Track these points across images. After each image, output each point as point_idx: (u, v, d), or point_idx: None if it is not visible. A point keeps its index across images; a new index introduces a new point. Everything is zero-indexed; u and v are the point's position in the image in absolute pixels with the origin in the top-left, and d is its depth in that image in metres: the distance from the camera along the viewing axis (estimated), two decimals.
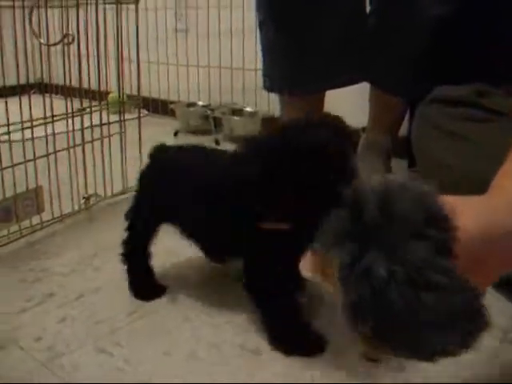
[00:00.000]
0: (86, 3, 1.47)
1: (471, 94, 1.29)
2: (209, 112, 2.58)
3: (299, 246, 0.72)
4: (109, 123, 1.70)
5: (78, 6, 1.44)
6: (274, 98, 1.97)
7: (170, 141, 2.53)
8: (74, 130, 1.53)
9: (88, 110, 1.55)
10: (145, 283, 1.18)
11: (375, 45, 1.62)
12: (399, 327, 0.57)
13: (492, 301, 0.92)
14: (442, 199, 0.59)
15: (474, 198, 0.64)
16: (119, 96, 1.72)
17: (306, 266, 0.67)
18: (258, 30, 1.70)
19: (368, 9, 1.65)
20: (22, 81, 1.45)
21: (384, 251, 0.56)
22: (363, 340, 0.60)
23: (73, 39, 1.39)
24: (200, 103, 2.75)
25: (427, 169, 1.43)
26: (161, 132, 2.65)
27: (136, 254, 1.18)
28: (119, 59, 1.65)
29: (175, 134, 2.61)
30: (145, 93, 2.94)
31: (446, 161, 1.24)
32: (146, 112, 3.04)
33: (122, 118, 1.73)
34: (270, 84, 1.67)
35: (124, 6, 1.63)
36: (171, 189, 1.08)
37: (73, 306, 1.12)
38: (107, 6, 1.57)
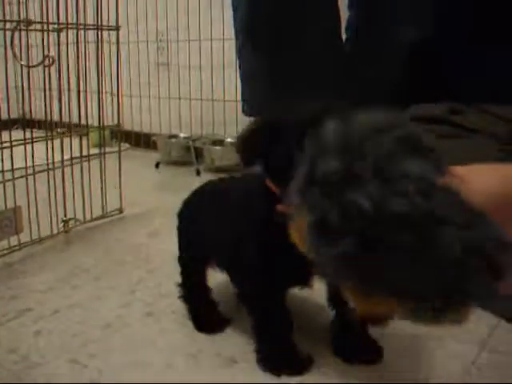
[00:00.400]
0: (67, 28, 1.50)
1: (445, 112, 1.32)
2: (190, 142, 2.60)
3: None
4: (89, 155, 1.72)
5: (59, 30, 1.46)
6: None
7: (151, 172, 2.56)
8: (53, 151, 1.54)
9: (68, 133, 1.56)
10: (207, 317, 1.12)
11: (351, 71, 1.64)
12: (386, 241, 0.47)
13: None
14: (455, 169, 0.54)
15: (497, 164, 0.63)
16: (99, 122, 1.74)
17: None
18: (237, 58, 1.73)
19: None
20: (4, 116, 1.47)
21: (339, 150, 0.50)
22: (352, 292, 0.53)
23: (53, 61, 1.41)
24: (182, 135, 2.77)
25: None
26: (142, 164, 2.67)
27: (193, 291, 1.15)
28: (99, 85, 1.67)
29: (156, 165, 2.62)
30: (127, 126, 2.97)
31: None
32: (128, 145, 3.06)
33: (102, 144, 1.75)
34: (250, 108, 1.69)
35: (105, 40, 1.66)
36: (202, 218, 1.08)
37: (49, 320, 1.12)
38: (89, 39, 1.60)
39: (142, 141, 3.03)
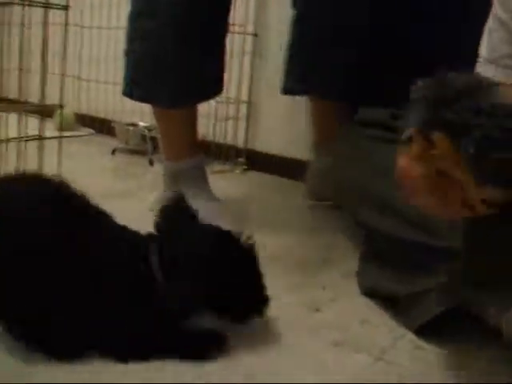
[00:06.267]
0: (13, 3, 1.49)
1: (387, 117, 1.36)
2: (146, 132, 2.57)
3: None
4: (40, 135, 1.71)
5: (3, 4, 1.45)
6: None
7: (107, 158, 2.54)
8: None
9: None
10: None
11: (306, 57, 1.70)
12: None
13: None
14: None
15: None
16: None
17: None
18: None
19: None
20: None
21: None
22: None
23: None
24: (141, 124, 2.74)
25: (337, 189, 1.50)
26: (100, 150, 2.65)
27: None
28: (43, 69, 1.66)
29: (113, 152, 2.60)
30: (91, 112, 2.96)
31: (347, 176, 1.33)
32: (92, 131, 3.04)
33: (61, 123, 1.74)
34: (130, 90, 1.70)
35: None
36: None
37: None
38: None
39: (104, 127, 3.00)
